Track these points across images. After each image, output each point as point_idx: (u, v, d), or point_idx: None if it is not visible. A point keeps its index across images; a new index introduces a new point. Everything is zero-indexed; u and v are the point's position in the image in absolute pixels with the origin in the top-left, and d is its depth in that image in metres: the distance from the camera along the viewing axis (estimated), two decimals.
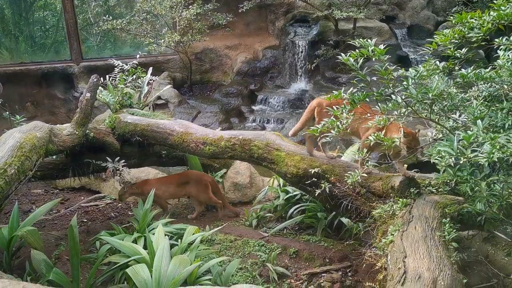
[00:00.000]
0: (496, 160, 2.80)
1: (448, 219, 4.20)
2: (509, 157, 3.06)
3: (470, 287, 4.07)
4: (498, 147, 2.84)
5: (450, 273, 3.31)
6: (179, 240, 5.06)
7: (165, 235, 4.81)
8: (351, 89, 3.83)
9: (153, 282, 4.00)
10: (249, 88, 13.64)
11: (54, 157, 6.20)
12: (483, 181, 3.31)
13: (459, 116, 3.96)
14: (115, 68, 7.24)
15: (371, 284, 4.24)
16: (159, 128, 6.29)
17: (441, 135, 4.28)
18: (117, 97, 6.85)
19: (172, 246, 4.87)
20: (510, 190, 3.25)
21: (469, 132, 3.16)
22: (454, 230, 4.09)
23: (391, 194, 4.72)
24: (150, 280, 4.02)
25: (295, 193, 6.26)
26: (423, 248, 3.62)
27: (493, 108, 3.60)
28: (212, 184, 6.50)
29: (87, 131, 6.12)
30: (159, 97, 12.27)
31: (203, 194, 6.45)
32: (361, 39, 3.69)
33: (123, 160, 6.15)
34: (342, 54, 3.69)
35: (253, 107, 13.19)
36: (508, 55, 3.60)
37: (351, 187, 4.91)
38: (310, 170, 5.13)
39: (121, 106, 6.90)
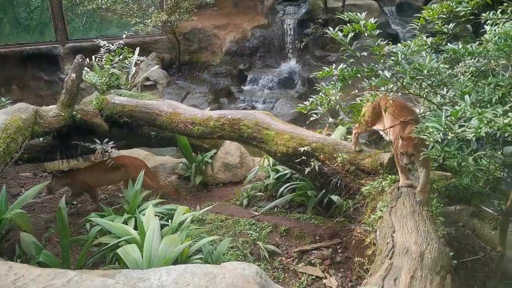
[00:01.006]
0: (484, 135, 2.81)
1: (435, 194, 4.26)
2: (496, 132, 3.09)
3: (458, 260, 4.14)
4: (485, 121, 2.85)
5: (437, 247, 3.36)
6: (170, 220, 5.06)
7: (156, 215, 4.81)
8: (341, 65, 3.80)
9: (144, 261, 4.02)
10: (238, 68, 13.55)
11: (41, 139, 6.12)
12: (470, 156, 3.34)
13: (447, 92, 3.97)
14: (101, 49, 7.12)
15: (360, 259, 4.30)
16: (148, 108, 6.24)
17: (429, 112, 4.30)
18: (104, 78, 6.76)
19: (162, 226, 4.86)
20: (496, 165, 3.28)
21: (456, 107, 3.17)
22: (442, 205, 4.15)
23: (380, 171, 4.75)
24: (141, 260, 4.03)
25: (285, 172, 6.27)
26: (411, 223, 3.66)
27: (480, 84, 3.60)
28: (145, 168, 6.39)
29: (74, 112, 6.05)
30: (147, 78, 12.15)
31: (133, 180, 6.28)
32: (350, 13, 3.65)
33: (112, 142, 6.10)
34: (331, 29, 3.66)
35: (243, 87, 13.13)
36: (495, 30, 3.58)
37: (341, 164, 4.93)
38: (299, 149, 5.13)
39: (108, 87, 6.81)
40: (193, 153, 7.03)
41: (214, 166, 7.05)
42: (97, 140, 6.06)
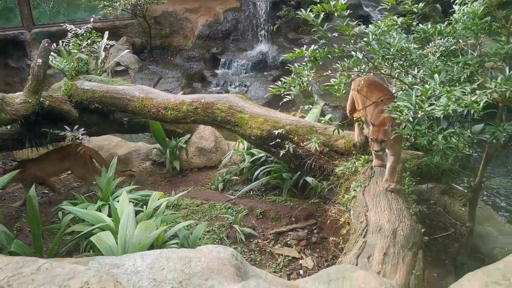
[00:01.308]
0: (451, 112, 2.86)
1: (407, 173, 4.33)
2: (464, 109, 3.14)
3: (429, 236, 4.24)
4: (453, 99, 2.90)
5: (409, 224, 3.43)
6: (145, 206, 5.01)
7: (130, 202, 4.76)
8: (313, 46, 3.79)
9: (119, 248, 3.98)
10: (211, 52, 13.40)
11: (8, 127, 5.94)
12: (440, 134, 3.39)
13: (418, 72, 4.01)
14: (68, 33, 6.92)
15: (335, 239, 4.37)
16: (119, 94, 6.12)
17: (400, 92, 4.35)
18: (72, 63, 6.59)
19: (137, 212, 4.82)
20: (465, 143, 3.34)
21: (426, 86, 3.21)
22: (414, 183, 4.23)
23: (353, 152, 4.81)
24: (116, 247, 3.99)
25: (260, 155, 6.28)
26: (384, 202, 3.72)
27: (449, 63, 3.65)
28: (96, 156, 6.30)
29: (42, 99, 5.87)
30: (118, 64, 11.90)
31: (79, 169, 6.19)
32: None
33: (83, 129, 5.96)
34: (302, 10, 3.63)
35: (216, 71, 13.01)
36: (464, 9, 3.62)
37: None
38: (274, 132, 5.13)
39: (77, 73, 6.65)
40: (167, 139, 6.95)
41: (188, 151, 6.99)
42: (67, 127, 5.92)
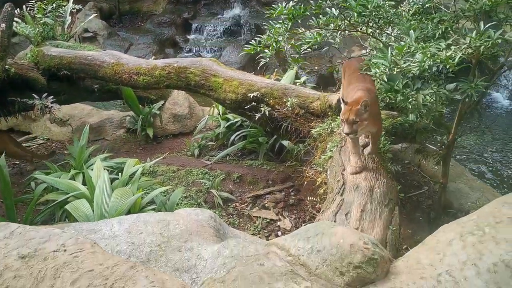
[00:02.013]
0: (427, 67, 2.86)
1: (383, 132, 4.36)
2: (439, 66, 3.15)
3: (404, 194, 4.33)
4: (429, 55, 2.90)
5: (385, 181, 3.48)
6: (120, 173, 4.94)
7: (105, 169, 4.67)
8: (290, 2, 3.71)
9: (95, 215, 3.92)
10: (183, 17, 13.05)
11: None
12: (417, 93, 3.40)
13: (393, 31, 3.99)
14: None
15: (312, 198, 4.41)
16: (88, 60, 5.92)
17: (375, 52, 4.33)
18: (37, 29, 6.32)
19: (113, 180, 4.75)
20: (441, 101, 3.37)
21: (402, 43, 3.19)
22: (389, 142, 4.27)
23: (329, 113, 4.80)
24: (92, 214, 3.94)
25: (235, 120, 6.23)
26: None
27: (424, 20, 3.64)
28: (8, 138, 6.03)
29: (7, 66, 5.63)
30: (86, 30, 11.51)
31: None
32: None
33: (52, 97, 5.76)
34: None
35: (188, 37, 12.72)
36: None
37: (290, 109, 4.94)
38: (249, 95, 5.07)
39: (43, 39, 6.38)
40: (140, 105, 6.82)
41: (162, 117, 6.89)
42: (36, 96, 5.71)
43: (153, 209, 4.49)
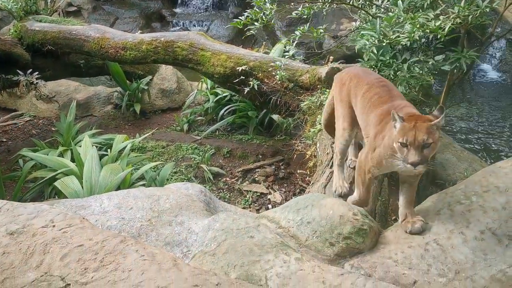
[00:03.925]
0: (417, 38, 2.84)
1: None
2: (429, 36, 3.13)
3: None
4: (418, 25, 2.87)
5: None
6: (109, 150, 4.91)
7: (93, 146, 4.64)
8: None
9: (85, 192, 3.91)
10: None
11: None
12: (404, 63, 3.39)
13: (382, 2, 3.95)
14: None
15: (302, 171, 4.43)
16: (72, 34, 5.81)
17: (365, 24, 4.29)
18: (20, 3, 6.16)
19: (102, 156, 4.73)
20: (426, 69, 3.36)
21: (390, 14, 3.16)
22: None
23: (318, 86, 4.77)
24: (81, 191, 3.92)
25: (224, 94, 6.19)
26: None
27: None
28: None
29: None
30: (70, 4, 11.25)
31: None
32: None
33: (37, 73, 5.66)
34: None
35: (175, 10, 12.47)
36: None
37: (279, 82, 4.91)
38: (237, 68, 5.03)
39: (26, 13, 6.24)
40: (128, 81, 6.73)
41: (150, 93, 6.81)
42: (20, 72, 5.60)
43: (143, 185, 4.49)
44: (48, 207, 1.99)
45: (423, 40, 3.50)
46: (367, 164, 2.52)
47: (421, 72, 3.48)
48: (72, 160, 4.61)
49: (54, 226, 1.88)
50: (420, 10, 3.28)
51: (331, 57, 5.48)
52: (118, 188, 4.12)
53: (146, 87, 6.74)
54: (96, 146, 4.80)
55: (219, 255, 2.31)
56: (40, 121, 6.82)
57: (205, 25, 11.48)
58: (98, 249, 1.71)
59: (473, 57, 3.11)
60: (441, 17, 2.94)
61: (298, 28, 4.32)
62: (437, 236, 2.35)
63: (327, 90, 4.56)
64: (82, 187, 4.00)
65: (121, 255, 1.68)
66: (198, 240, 2.53)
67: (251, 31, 4.18)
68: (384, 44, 3.05)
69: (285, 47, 6.26)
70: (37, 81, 5.59)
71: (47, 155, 4.74)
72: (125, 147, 4.74)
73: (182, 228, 2.67)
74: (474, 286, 2.01)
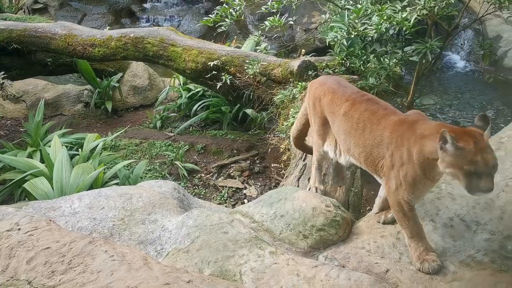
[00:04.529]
0: (384, 30, 2.87)
1: None
2: (396, 29, 3.17)
3: None
4: (385, 17, 2.90)
5: None
6: (80, 149, 4.81)
7: (63, 146, 4.54)
8: None
9: (55, 193, 3.82)
10: None
11: None
12: (373, 54, 3.43)
13: None
14: None
15: (276, 165, 4.44)
16: (38, 32, 5.67)
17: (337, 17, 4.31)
18: None
19: (73, 156, 4.63)
20: (395, 60, 3.40)
21: (358, 6, 3.18)
22: None
23: (290, 79, 4.78)
24: (52, 192, 3.83)
25: (197, 90, 6.14)
26: None
27: None
28: None
29: None
30: (36, 1, 10.95)
31: None
32: None
33: (3, 72, 5.50)
34: None
35: (145, 5, 12.26)
36: None
37: (252, 76, 4.89)
38: (209, 63, 5.00)
39: None
40: (98, 78, 6.60)
41: (122, 90, 6.71)
42: None
43: (117, 184, 4.41)
44: (14, 210, 1.93)
45: (391, 31, 3.53)
46: (400, 195, 2.13)
47: (390, 63, 3.52)
48: (42, 161, 4.50)
49: (19, 229, 1.83)
50: (388, 2, 3.31)
51: (303, 50, 5.49)
52: (91, 187, 4.04)
53: (117, 85, 6.63)
54: (67, 146, 4.70)
55: (193, 251, 2.30)
56: (8, 121, 6.63)
57: (176, 20, 11.35)
58: (65, 251, 1.67)
59: (439, 47, 3.16)
60: (407, 9, 2.97)
61: (269, 19, 4.31)
62: None
63: (299, 83, 4.57)
64: (53, 188, 3.91)
65: (90, 256, 1.65)
66: (171, 237, 2.51)
67: (222, 28, 4.16)
68: (352, 36, 3.06)
69: (257, 41, 6.27)
70: (3, 80, 5.43)
71: (16, 156, 4.61)
72: (97, 146, 4.65)
73: (155, 226, 2.64)
74: (444, 272, 2.05)
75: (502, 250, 2.09)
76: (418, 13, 2.93)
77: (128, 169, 4.78)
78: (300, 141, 3.12)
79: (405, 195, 2.11)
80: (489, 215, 2.27)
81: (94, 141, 4.80)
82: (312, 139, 2.90)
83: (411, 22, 2.87)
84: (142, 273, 1.57)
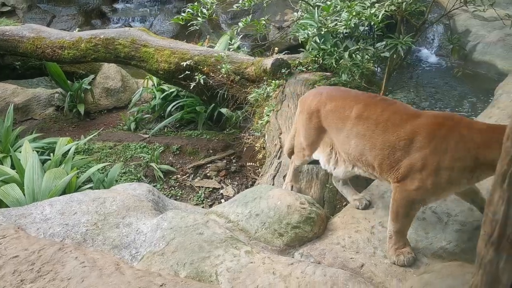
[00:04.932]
0: (353, 26, 2.89)
1: None
2: (366, 24, 3.20)
3: None
4: (354, 13, 2.92)
5: None
6: (52, 154, 4.71)
7: (34, 150, 4.43)
8: None
9: (27, 199, 3.73)
10: None
11: None
12: (345, 51, 3.45)
13: None
14: None
15: (252, 164, 4.44)
16: (5, 36, 5.53)
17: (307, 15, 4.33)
18: None
19: (45, 161, 4.53)
20: (367, 56, 3.43)
21: (328, 2, 3.20)
22: None
23: (264, 78, 4.79)
24: (24, 198, 3.74)
25: (171, 90, 6.08)
26: None
27: None
28: None
29: None
30: (3, 4, 10.69)
31: None
32: None
33: None
34: None
35: (116, 6, 12.09)
36: None
37: (225, 75, 4.88)
38: (182, 64, 4.97)
39: None
40: (69, 81, 6.47)
41: (94, 92, 6.59)
42: None
43: (91, 188, 4.34)
44: None
45: (362, 28, 3.57)
46: (419, 196, 2.11)
47: (362, 59, 3.55)
48: (12, 167, 4.39)
49: None
50: None
51: (276, 48, 5.51)
52: (64, 193, 3.96)
53: (89, 87, 6.51)
54: (38, 151, 4.60)
55: (168, 254, 2.27)
56: None
57: (149, 20, 11.23)
58: (34, 259, 1.63)
59: (409, 43, 3.20)
60: (376, 5, 3.00)
61: (242, 20, 4.30)
62: (382, 219, 2.42)
63: (273, 81, 4.58)
64: (24, 194, 3.81)
65: (60, 263, 1.61)
66: (146, 240, 2.48)
67: (194, 26, 4.13)
68: (323, 32, 3.08)
69: (230, 40, 6.25)
70: None
71: None
72: (69, 150, 4.56)
73: (130, 229, 2.61)
74: (417, 264, 2.08)
75: (472, 240, 2.13)
76: (386, 8, 2.96)
77: (103, 173, 4.70)
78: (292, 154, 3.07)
79: (427, 197, 2.10)
80: (459, 207, 2.31)
81: (66, 145, 4.71)
82: (295, 143, 2.88)
83: (379, 17, 2.91)
84: (113, 279, 1.55)
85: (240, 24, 4.32)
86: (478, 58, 7.55)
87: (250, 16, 4.42)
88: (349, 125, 2.38)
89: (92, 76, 6.64)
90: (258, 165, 4.27)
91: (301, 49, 4.30)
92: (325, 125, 2.56)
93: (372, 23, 3.03)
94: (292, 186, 2.88)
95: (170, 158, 5.41)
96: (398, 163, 2.18)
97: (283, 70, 4.56)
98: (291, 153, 3.04)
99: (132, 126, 6.04)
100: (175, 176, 5.15)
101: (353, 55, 3.66)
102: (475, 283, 1.23)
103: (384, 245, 2.24)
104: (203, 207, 4.63)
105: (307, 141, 2.71)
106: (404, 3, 2.94)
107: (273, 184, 3.10)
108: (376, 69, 4.70)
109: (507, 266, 1.11)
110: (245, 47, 6.36)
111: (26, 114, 6.48)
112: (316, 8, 3.17)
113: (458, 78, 7.25)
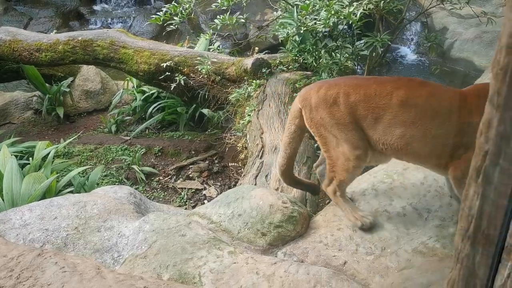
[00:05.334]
0: (332, 24, 2.91)
1: (297, 93, 4.43)
2: (344, 23, 3.22)
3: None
4: (333, 12, 2.94)
5: (304, 140, 3.55)
6: (31, 158, 4.63)
7: (13, 155, 4.35)
8: None
9: (6, 205, 3.66)
10: None
11: None
12: (324, 49, 3.47)
13: None
14: None
15: (235, 164, 4.43)
16: None
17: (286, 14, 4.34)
18: None
19: (23, 166, 4.45)
20: (346, 55, 3.46)
21: (307, 2, 3.22)
22: None
23: (245, 78, 4.79)
24: (2, 204, 3.67)
25: (152, 92, 6.04)
26: (277, 122, 3.80)
27: None
28: None
29: None
30: None
31: None
32: None
33: None
34: None
35: (94, 7, 11.94)
36: None
37: (206, 76, 4.87)
38: (162, 65, 4.95)
39: None
40: (47, 84, 6.37)
41: (73, 95, 6.50)
42: None
43: (71, 192, 4.28)
44: None
45: (340, 27, 3.59)
46: None
47: (341, 58, 3.58)
48: None
49: None
50: None
51: (256, 48, 5.52)
52: (44, 197, 3.90)
53: (68, 90, 6.42)
54: (17, 155, 4.52)
55: (151, 257, 2.26)
56: None
57: (128, 22, 11.12)
58: (13, 266, 1.60)
59: (386, 40, 3.24)
60: (354, 3, 3.03)
61: (219, 17, 4.29)
62: None
63: (254, 81, 4.58)
64: (3, 200, 3.74)
65: (39, 269, 1.58)
66: (129, 243, 2.45)
67: (171, 26, 4.11)
68: (302, 31, 3.10)
69: (210, 40, 6.24)
70: None
71: None
72: (48, 154, 4.49)
73: (111, 233, 2.58)
74: (398, 260, 2.10)
75: (452, 235, 2.17)
76: (365, 7, 2.99)
77: (83, 176, 4.64)
78: (290, 173, 2.69)
79: None
80: (439, 202, 2.35)
81: (46, 148, 4.63)
82: (327, 161, 2.43)
83: (358, 16, 2.93)
84: (94, 283, 1.53)
85: (217, 21, 4.30)
86: (455, 55, 7.68)
87: (228, 14, 4.41)
88: (389, 115, 2.14)
89: (71, 79, 6.54)
90: (240, 165, 4.27)
91: (281, 47, 4.31)
92: (353, 117, 2.24)
93: (350, 22, 3.06)
94: (370, 221, 2.31)
95: (152, 160, 5.37)
96: (455, 149, 2.02)
97: (263, 70, 4.58)
98: (285, 174, 2.63)
99: (113, 128, 5.98)
100: (157, 178, 5.12)
101: (333, 54, 3.69)
102: (453, 277, 1.25)
103: (366, 242, 2.26)
104: (186, 209, 4.60)
105: (350, 140, 2.26)
106: (382, 1, 2.97)
107: (255, 184, 3.11)
108: (356, 67, 4.74)
109: (483, 260, 1.13)
110: (225, 48, 6.36)
111: (4, 118, 6.36)
112: (295, 7, 3.18)
113: (436, 75, 7.35)
